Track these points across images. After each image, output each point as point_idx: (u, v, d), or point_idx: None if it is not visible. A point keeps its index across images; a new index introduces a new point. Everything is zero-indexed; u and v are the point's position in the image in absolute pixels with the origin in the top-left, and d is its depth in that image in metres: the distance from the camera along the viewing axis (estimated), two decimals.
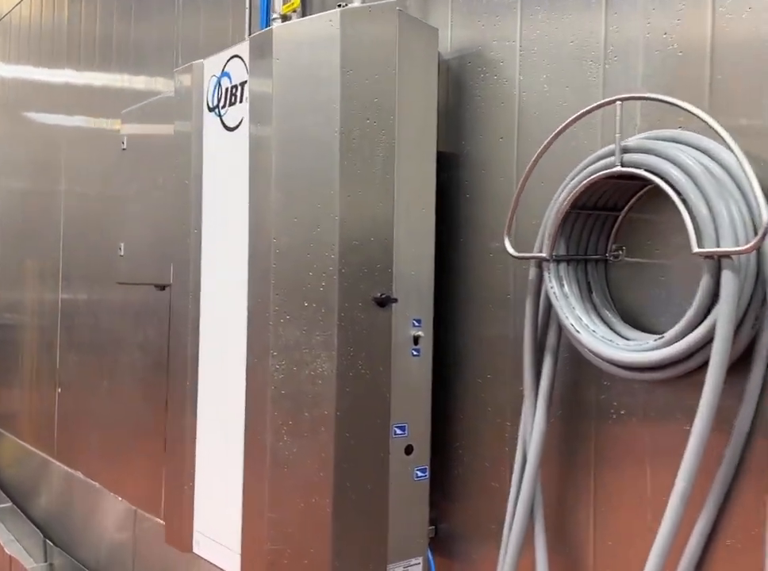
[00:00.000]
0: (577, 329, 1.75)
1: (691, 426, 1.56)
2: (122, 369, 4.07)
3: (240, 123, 2.29)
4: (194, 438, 2.46)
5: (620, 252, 1.85)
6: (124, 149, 3.14)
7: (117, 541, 4.08)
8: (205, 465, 2.42)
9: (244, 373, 2.21)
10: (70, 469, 4.67)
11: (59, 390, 4.86)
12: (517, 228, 2.07)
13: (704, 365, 1.56)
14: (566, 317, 1.77)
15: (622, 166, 1.65)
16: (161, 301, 3.64)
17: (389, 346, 2.15)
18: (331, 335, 2.08)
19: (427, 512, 2.25)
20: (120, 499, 4.03)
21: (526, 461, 1.94)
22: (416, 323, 2.21)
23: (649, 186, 1.74)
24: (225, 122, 2.36)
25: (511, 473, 2.02)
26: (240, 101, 2.28)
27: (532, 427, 1.92)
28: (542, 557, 1.93)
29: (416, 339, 2.21)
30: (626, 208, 1.83)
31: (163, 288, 3.31)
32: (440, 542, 2.31)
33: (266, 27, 2.80)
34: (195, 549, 2.44)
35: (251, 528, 2.16)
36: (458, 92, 2.30)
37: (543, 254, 1.80)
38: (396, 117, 2.12)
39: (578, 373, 1.95)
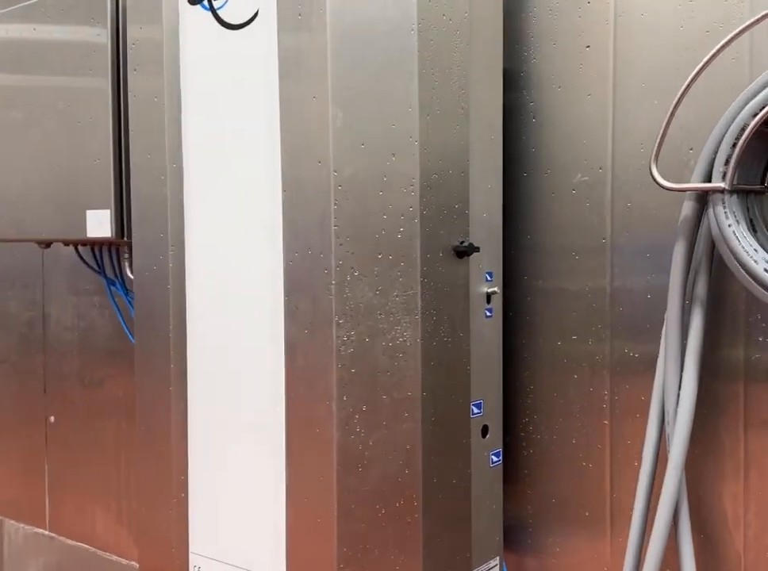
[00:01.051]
0: None
1: None
2: None
3: (254, 17, 1.72)
4: (185, 439, 1.89)
5: None
6: None
7: None
8: (205, 472, 1.86)
9: (280, 351, 1.69)
10: None
11: None
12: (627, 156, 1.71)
13: None
14: (755, 261, 1.44)
15: None
16: (32, 263, 2.93)
17: (467, 307, 1.72)
18: (413, 295, 1.61)
19: (501, 504, 1.86)
20: None
21: (665, 434, 1.61)
22: (489, 278, 1.80)
23: None
24: (223, 17, 1.77)
25: (611, 449, 1.69)
26: None
27: (679, 392, 1.58)
28: (687, 547, 1.61)
29: (488, 297, 1.79)
30: None
31: (48, 245, 2.63)
32: (510, 536, 1.94)
33: None
34: None
35: (302, 547, 1.67)
36: None
37: (722, 184, 1.45)
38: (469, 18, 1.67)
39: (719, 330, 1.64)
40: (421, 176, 1.61)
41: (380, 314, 1.60)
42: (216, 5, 1.78)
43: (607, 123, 1.77)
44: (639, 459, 1.71)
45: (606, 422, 1.79)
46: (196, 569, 1.89)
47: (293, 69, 1.63)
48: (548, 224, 1.86)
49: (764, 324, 1.59)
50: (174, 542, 1.90)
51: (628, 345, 1.75)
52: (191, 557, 1.90)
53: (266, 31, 1.69)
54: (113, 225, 2.25)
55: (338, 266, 1.59)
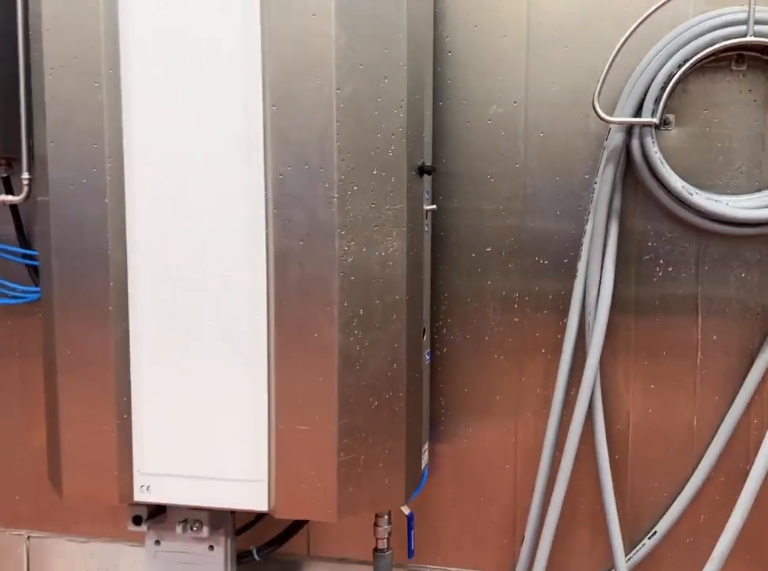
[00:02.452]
0: (690, 192, 1.84)
1: None
2: None
3: None
4: (127, 360, 1.84)
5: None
6: None
7: None
8: (153, 391, 1.84)
9: (261, 263, 1.74)
10: None
11: None
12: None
13: None
14: (676, 181, 1.84)
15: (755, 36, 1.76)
16: None
17: (422, 221, 1.92)
18: (401, 209, 1.78)
19: (429, 397, 2.12)
20: None
21: (586, 329, 1.98)
22: (427, 196, 2.01)
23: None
24: None
25: (521, 341, 2.05)
26: None
27: (599, 290, 1.96)
28: (600, 425, 2.01)
29: (426, 214, 2.01)
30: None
31: None
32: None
33: None
34: (140, 497, 1.87)
35: (292, 446, 1.77)
36: None
37: (654, 120, 1.82)
38: None
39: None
40: (407, 99, 1.75)
41: (375, 226, 1.74)
42: None
43: (521, 62, 2.05)
44: (546, 347, 2.07)
45: (517, 319, 2.11)
46: (144, 488, 1.87)
47: None
48: (464, 150, 2.10)
49: (654, 264, 2.01)
50: (118, 466, 1.85)
51: (538, 253, 2.08)
52: (137, 477, 1.86)
53: None
54: None
55: (340, 181, 1.69)
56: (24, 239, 2.37)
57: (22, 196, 2.24)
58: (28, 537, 2.53)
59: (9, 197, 2.28)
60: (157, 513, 2.00)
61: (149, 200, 1.79)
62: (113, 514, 2.45)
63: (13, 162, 2.33)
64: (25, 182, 2.23)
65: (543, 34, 2.03)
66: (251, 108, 1.71)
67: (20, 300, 2.39)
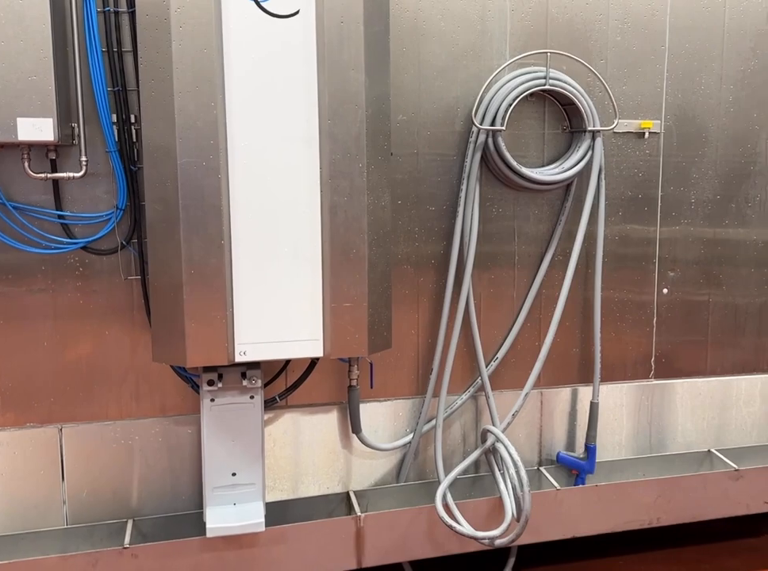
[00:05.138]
0: (524, 164, 3.46)
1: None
2: None
3: None
4: (230, 274, 2.97)
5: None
6: None
7: None
8: (248, 293, 2.99)
9: (317, 211, 3.00)
10: None
11: None
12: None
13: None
14: (512, 160, 3.44)
15: (549, 84, 3.42)
16: None
17: (389, 187, 3.31)
18: (387, 179, 3.16)
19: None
20: None
21: (463, 248, 3.53)
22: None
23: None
24: None
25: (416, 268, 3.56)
26: None
27: (471, 224, 3.51)
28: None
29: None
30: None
31: None
32: None
33: None
34: (239, 359, 3.01)
35: (339, 317, 3.06)
36: None
37: (503, 128, 3.40)
38: None
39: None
40: (392, 117, 3.12)
41: (379, 188, 3.09)
42: None
43: (417, 89, 3.49)
44: (436, 259, 3.57)
45: (417, 244, 3.58)
46: (242, 353, 3.02)
47: None
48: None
49: (493, 207, 3.60)
50: (226, 341, 2.98)
51: (428, 203, 3.55)
52: (238, 347, 3.01)
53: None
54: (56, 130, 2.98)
55: (366, 163, 3.00)
56: (59, 204, 3.25)
57: (81, 172, 3.16)
58: (61, 428, 3.39)
59: (73, 174, 3.17)
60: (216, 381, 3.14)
61: (245, 175, 2.93)
62: (136, 397, 3.42)
63: (58, 148, 3.20)
64: (84, 163, 3.16)
65: (428, 73, 3.49)
66: (311, 121, 2.94)
67: (57, 251, 3.26)
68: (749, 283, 4.02)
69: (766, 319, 4.08)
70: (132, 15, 3.11)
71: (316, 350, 3.07)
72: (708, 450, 4.03)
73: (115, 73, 3.17)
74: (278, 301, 3.02)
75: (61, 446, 3.38)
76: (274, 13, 2.87)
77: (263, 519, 3.15)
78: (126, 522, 3.40)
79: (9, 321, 3.25)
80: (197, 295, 2.93)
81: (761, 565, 3.88)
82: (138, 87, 3.09)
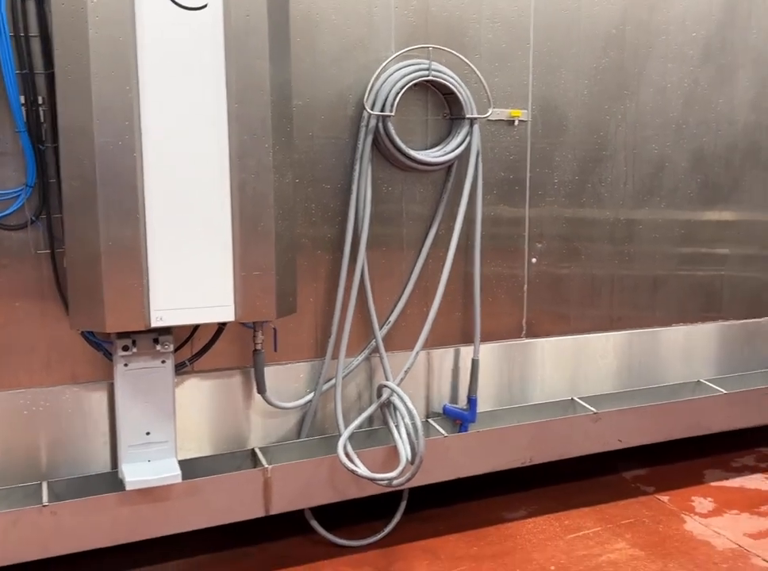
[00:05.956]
0: (410, 147, 3.85)
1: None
2: None
3: None
4: (145, 244, 3.22)
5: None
6: None
7: None
8: (163, 262, 3.25)
9: (227, 186, 3.29)
10: None
11: None
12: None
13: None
14: (401, 143, 3.83)
15: (432, 75, 3.82)
16: None
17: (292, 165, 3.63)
18: (291, 158, 3.48)
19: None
20: None
21: (358, 225, 3.89)
22: None
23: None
24: None
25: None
26: None
27: (365, 203, 3.87)
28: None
29: None
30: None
31: None
32: None
33: None
34: (156, 324, 3.26)
35: (249, 284, 3.36)
36: None
37: (392, 113, 3.78)
38: None
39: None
40: (293, 102, 3.44)
41: (283, 167, 3.40)
42: None
43: (313, 77, 3.82)
44: (333, 235, 3.92)
45: (314, 220, 3.91)
46: (158, 318, 3.28)
47: None
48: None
49: (383, 187, 3.98)
50: (143, 307, 3.23)
51: (324, 182, 3.89)
52: (154, 313, 3.27)
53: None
54: None
55: (272, 143, 3.31)
56: None
57: None
58: None
59: None
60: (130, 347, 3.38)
61: (159, 154, 3.18)
62: (47, 366, 3.59)
63: None
64: None
65: (322, 61, 3.82)
66: (221, 104, 3.22)
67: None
68: (602, 255, 4.59)
69: (617, 287, 4.67)
70: (39, 2, 3.28)
71: (227, 314, 3.36)
72: (572, 398, 4.57)
73: (23, 57, 3.32)
74: (192, 270, 3.28)
75: None
76: (184, 5, 3.13)
77: (179, 472, 3.42)
78: (41, 484, 3.55)
79: None
80: (114, 265, 3.17)
81: (618, 497, 4.49)
82: (47, 70, 3.27)
